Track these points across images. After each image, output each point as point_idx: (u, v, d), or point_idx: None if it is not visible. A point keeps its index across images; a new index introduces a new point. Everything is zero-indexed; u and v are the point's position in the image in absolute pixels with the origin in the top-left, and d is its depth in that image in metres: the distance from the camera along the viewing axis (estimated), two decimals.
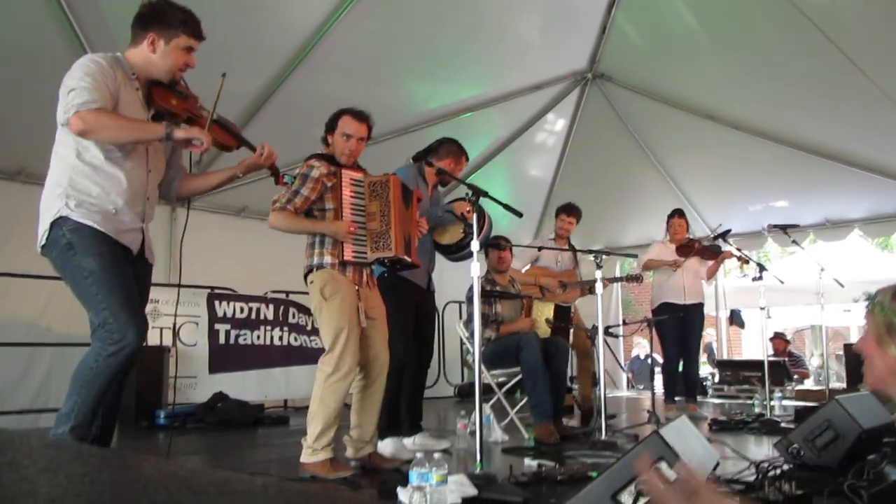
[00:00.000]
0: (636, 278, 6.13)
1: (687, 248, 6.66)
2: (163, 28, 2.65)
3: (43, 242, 2.56)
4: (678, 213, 6.89)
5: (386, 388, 3.82)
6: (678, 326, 6.55)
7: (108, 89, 2.54)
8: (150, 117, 2.74)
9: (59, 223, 2.51)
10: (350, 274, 3.51)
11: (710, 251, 6.72)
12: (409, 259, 3.64)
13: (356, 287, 3.52)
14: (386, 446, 4.01)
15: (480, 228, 3.58)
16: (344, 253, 3.47)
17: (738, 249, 6.64)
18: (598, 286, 4.89)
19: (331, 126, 3.70)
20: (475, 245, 3.34)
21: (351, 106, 3.73)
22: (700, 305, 6.74)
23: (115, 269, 2.52)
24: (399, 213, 3.57)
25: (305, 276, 3.57)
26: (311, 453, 3.35)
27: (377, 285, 3.79)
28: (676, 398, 6.69)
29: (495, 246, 5.45)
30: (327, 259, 3.48)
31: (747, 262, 6.54)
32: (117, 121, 2.54)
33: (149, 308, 6.01)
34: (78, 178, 2.54)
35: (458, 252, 4.40)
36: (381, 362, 3.62)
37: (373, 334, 3.61)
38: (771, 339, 9.91)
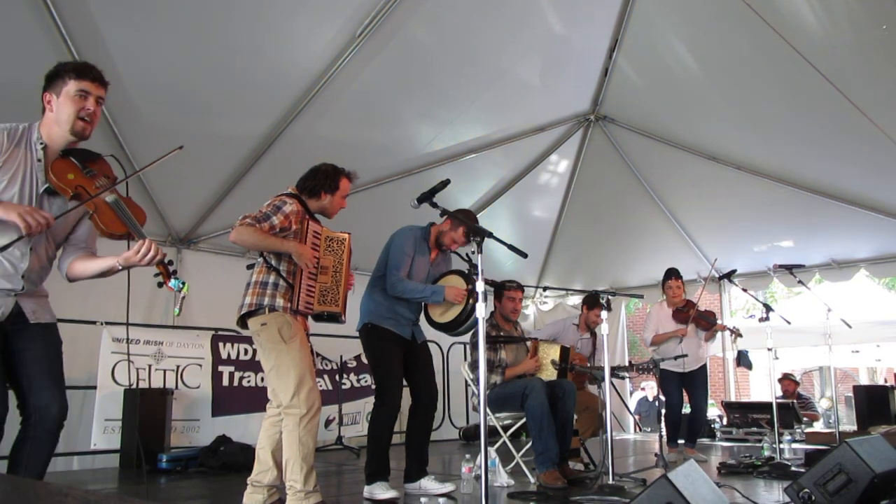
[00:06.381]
0: (648, 370, 5.95)
1: (683, 313, 6.70)
2: (53, 85, 2.66)
3: None
4: (674, 275, 6.85)
5: (381, 437, 4.19)
6: (679, 375, 6.64)
7: None
8: (42, 189, 2.65)
9: None
10: (299, 319, 3.59)
11: (705, 321, 6.78)
12: (343, 316, 3.78)
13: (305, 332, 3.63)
14: (376, 490, 4.09)
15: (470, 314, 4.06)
16: (298, 302, 3.52)
17: (744, 290, 6.63)
18: (604, 326, 4.86)
19: (332, 186, 3.78)
20: (480, 285, 3.30)
21: (346, 168, 3.88)
22: (702, 367, 6.79)
23: None
24: (347, 271, 3.75)
25: (249, 315, 3.54)
26: (304, 497, 3.32)
27: (360, 338, 4.31)
28: (679, 441, 6.70)
29: (510, 291, 5.42)
30: (279, 302, 3.52)
31: (740, 335, 6.78)
32: None
33: (152, 350, 6.12)
34: None
35: (457, 328, 4.38)
36: None
37: None
38: (780, 381, 9.79)
